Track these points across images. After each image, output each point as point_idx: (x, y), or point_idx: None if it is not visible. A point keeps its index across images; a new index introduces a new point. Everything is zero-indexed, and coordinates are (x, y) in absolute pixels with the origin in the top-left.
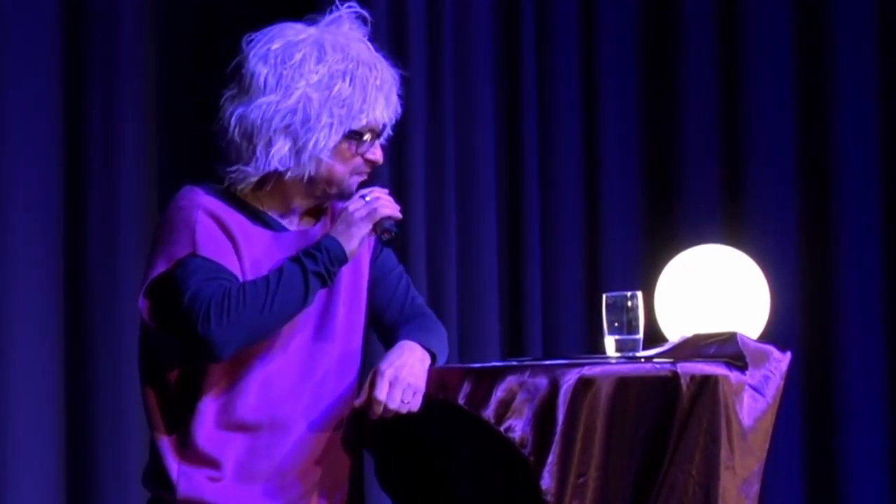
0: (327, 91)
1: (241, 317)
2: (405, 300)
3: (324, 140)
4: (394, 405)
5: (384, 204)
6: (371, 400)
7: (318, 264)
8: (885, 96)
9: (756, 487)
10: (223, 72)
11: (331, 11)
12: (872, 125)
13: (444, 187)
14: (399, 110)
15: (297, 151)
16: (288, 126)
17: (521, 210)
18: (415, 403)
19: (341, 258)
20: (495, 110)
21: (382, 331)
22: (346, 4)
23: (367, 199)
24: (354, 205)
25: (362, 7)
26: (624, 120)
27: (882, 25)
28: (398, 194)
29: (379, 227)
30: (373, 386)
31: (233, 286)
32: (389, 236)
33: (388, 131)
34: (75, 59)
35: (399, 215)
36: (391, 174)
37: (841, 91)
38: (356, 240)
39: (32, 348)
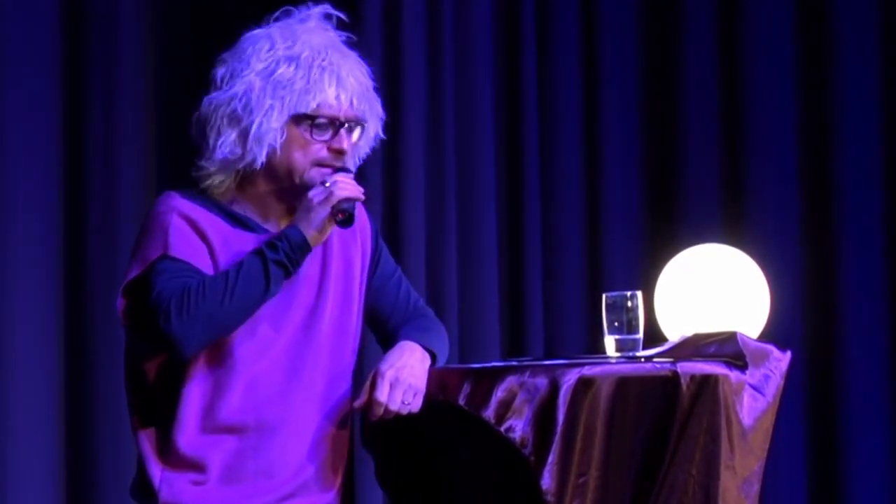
0: (270, 76)
1: (201, 310)
2: (407, 305)
3: (266, 122)
4: (394, 406)
5: (342, 187)
6: (371, 401)
7: (278, 252)
8: (887, 95)
9: (756, 487)
10: None
11: (300, 12)
12: (874, 124)
13: (444, 187)
14: (380, 109)
15: (244, 137)
16: (233, 113)
17: (521, 210)
18: (415, 404)
19: (301, 244)
20: (495, 109)
21: (385, 335)
22: (317, 7)
23: (327, 184)
24: (314, 191)
25: (354, 11)
26: (625, 119)
27: (884, 24)
28: (398, 194)
29: (335, 209)
30: (373, 387)
31: (193, 282)
32: (344, 217)
33: (378, 133)
34: (75, 59)
35: (360, 196)
36: (391, 175)
37: (842, 90)
38: (314, 225)
39: (32, 348)
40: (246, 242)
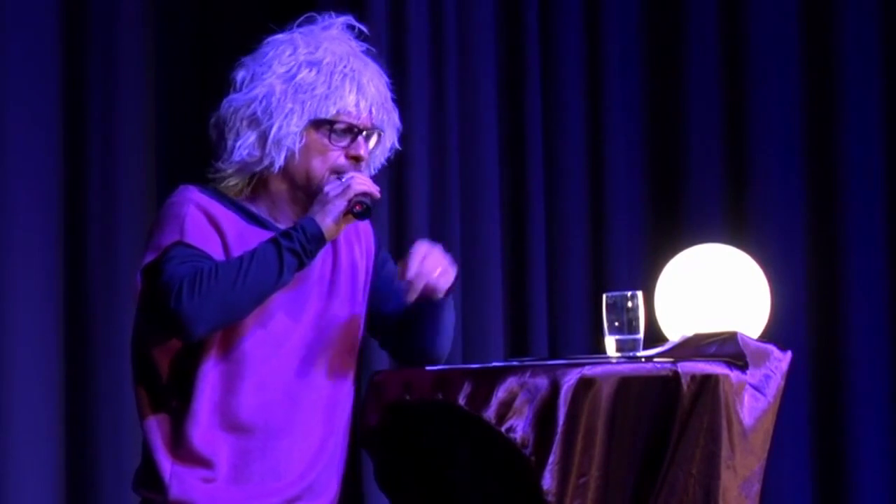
0: (291, 79)
1: (213, 290)
2: None
3: (286, 126)
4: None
5: (359, 181)
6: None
7: (293, 241)
8: (890, 94)
9: (757, 487)
10: (222, 72)
11: (323, 20)
12: (877, 125)
13: (447, 187)
14: (397, 120)
15: (263, 140)
16: (252, 115)
17: (525, 210)
18: (449, 277)
19: (318, 236)
20: (499, 108)
21: (390, 336)
22: (339, 16)
23: (343, 179)
24: (330, 185)
25: (360, 13)
26: (628, 119)
27: (887, 22)
28: (401, 194)
29: (352, 202)
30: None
31: (206, 265)
32: (362, 209)
33: (393, 142)
34: (75, 61)
35: (377, 193)
36: (395, 175)
37: (846, 90)
38: (331, 216)
39: (32, 348)
40: (259, 238)
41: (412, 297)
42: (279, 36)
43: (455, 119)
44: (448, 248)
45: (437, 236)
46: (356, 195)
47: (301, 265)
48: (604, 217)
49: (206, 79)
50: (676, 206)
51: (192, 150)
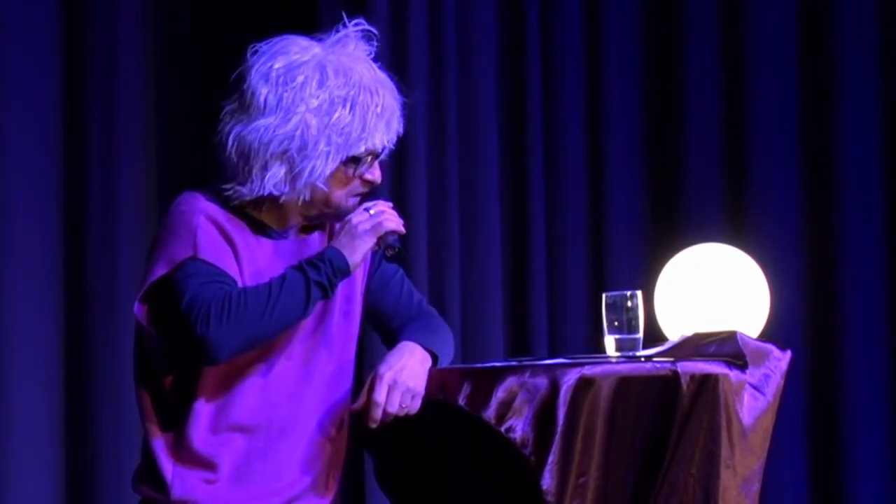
0: (327, 118)
1: (241, 320)
2: (410, 304)
3: (320, 168)
4: (392, 409)
5: (389, 218)
6: (370, 403)
7: (320, 274)
8: (889, 94)
9: (756, 486)
10: (222, 74)
11: (337, 30)
12: (876, 124)
13: (447, 186)
14: (401, 130)
15: (293, 178)
16: (285, 152)
17: (525, 210)
18: (413, 407)
19: (344, 270)
20: (499, 110)
21: (389, 335)
22: (353, 22)
23: (372, 212)
24: (358, 217)
25: (361, 14)
26: (629, 119)
27: (885, 20)
28: (401, 193)
29: (383, 242)
30: (371, 389)
31: (234, 290)
32: (393, 252)
33: (389, 147)
34: (75, 61)
35: (403, 230)
36: (394, 174)
37: (845, 89)
38: (360, 253)
39: (32, 348)
40: (266, 249)
41: (371, 424)
42: (297, 54)
43: (455, 119)
44: (448, 249)
45: (436, 236)
46: (386, 233)
47: (325, 297)
48: (604, 217)
49: (206, 79)
50: (676, 206)
51: (192, 150)
